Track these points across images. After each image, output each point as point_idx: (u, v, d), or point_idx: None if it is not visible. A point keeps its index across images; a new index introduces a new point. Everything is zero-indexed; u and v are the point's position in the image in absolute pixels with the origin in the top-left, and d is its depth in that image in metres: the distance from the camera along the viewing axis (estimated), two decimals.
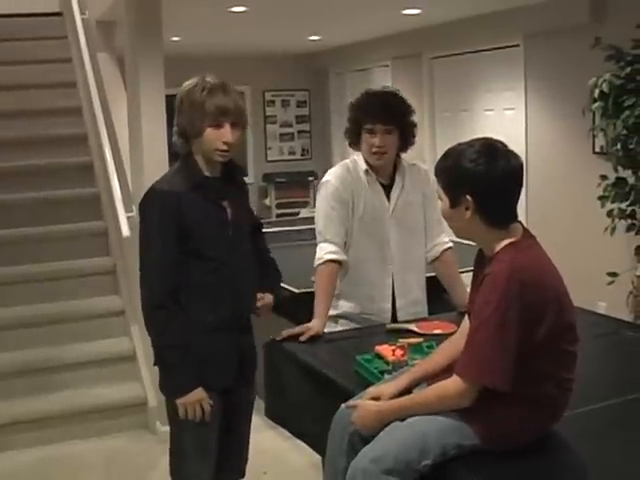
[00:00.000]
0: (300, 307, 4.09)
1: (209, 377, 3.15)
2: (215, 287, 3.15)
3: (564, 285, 2.49)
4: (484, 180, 2.44)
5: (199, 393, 3.09)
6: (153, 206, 3.08)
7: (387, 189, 3.85)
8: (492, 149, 2.49)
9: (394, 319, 3.83)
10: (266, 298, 3.46)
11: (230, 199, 3.22)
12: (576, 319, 2.50)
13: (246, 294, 3.30)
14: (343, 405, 2.74)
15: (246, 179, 12.24)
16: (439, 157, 2.60)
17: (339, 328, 3.82)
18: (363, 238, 3.80)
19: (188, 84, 3.11)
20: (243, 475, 3.52)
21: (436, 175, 2.58)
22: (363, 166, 3.81)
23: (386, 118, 3.70)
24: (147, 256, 3.10)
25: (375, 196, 3.82)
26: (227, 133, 3.06)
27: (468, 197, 2.46)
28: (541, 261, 2.48)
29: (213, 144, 3.07)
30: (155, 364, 3.22)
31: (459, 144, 2.55)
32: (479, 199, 2.46)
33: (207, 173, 3.16)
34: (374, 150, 3.73)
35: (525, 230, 2.54)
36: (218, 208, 3.18)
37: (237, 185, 3.32)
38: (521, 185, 2.51)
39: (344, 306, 3.85)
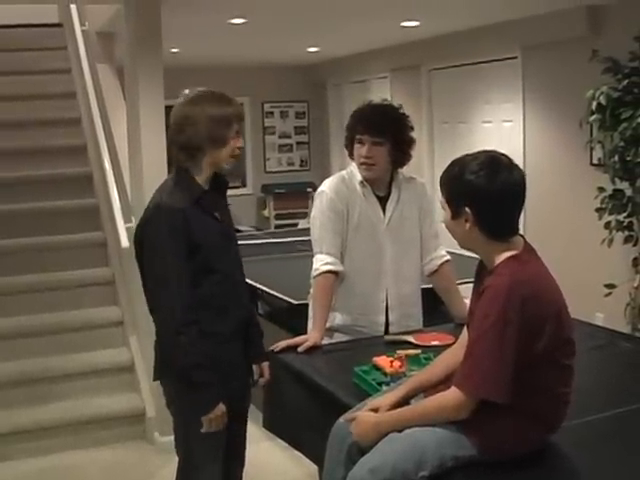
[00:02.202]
0: (298, 318, 4.10)
1: (224, 385, 3.16)
2: (222, 297, 3.19)
3: (564, 299, 2.50)
4: (483, 193, 2.45)
5: (222, 407, 3.12)
6: (162, 226, 3.05)
7: (383, 201, 3.86)
8: (495, 162, 2.50)
9: (387, 333, 3.83)
10: (265, 372, 3.49)
11: (221, 210, 3.28)
12: (574, 333, 2.52)
13: (245, 299, 3.37)
14: (341, 418, 2.75)
15: (245, 190, 12.18)
16: (439, 168, 2.62)
17: (334, 341, 3.83)
18: (357, 250, 3.81)
19: (193, 98, 3.14)
20: None
21: (440, 185, 2.60)
22: (359, 177, 3.82)
23: (374, 130, 3.71)
24: (163, 277, 3.06)
25: (370, 208, 3.83)
26: (241, 139, 3.19)
27: (467, 209, 2.48)
28: (542, 275, 2.49)
29: (232, 152, 3.16)
30: (155, 379, 3.25)
31: (465, 155, 2.56)
32: (478, 211, 2.47)
33: (203, 186, 3.20)
34: (361, 160, 3.76)
35: (526, 243, 2.55)
36: (215, 220, 3.22)
37: (223, 195, 3.36)
38: (523, 199, 2.52)
39: (337, 318, 3.85)
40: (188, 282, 3.07)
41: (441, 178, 2.60)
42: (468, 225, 2.50)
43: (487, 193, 2.45)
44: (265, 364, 3.49)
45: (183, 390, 3.14)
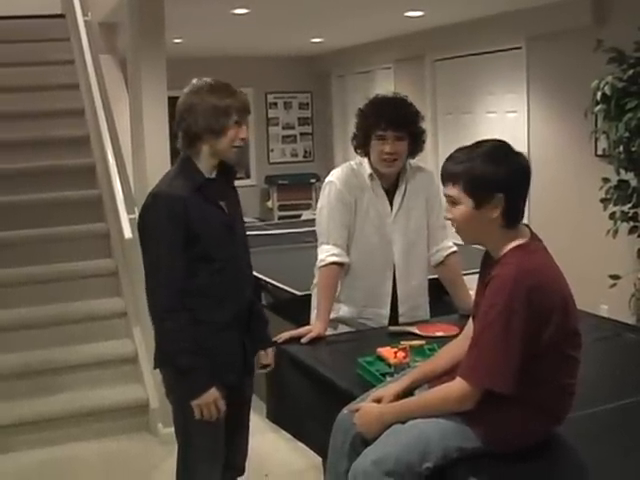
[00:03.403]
0: (302, 309, 4.09)
1: (219, 374, 3.18)
2: (221, 287, 3.20)
3: (570, 290, 2.49)
4: (514, 176, 2.46)
5: (214, 393, 3.12)
6: (159, 213, 3.08)
7: (390, 194, 3.84)
8: (506, 147, 2.52)
9: (395, 324, 3.82)
10: (270, 357, 3.49)
11: (226, 199, 3.29)
12: (580, 324, 2.50)
13: (247, 290, 3.36)
14: (345, 409, 2.75)
15: (248, 181, 12.18)
16: (443, 158, 2.59)
17: (337, 332, 3.81)
18: (364, 242, 3.80)
19: (195, 88, 3.17)
20: (243, 472, 3.55)
21: (451, 179, 2.54)
22: (368, 170, 3.79)
23: (398, 124, 3.66)
24: (155, 264, 3.11)
25: (378, 201, 3.81)
26: (245, 130, 3.21)
27: (500, 195, 2.44)
28: (548, 265, 2.48)
29: (233, 142, 3.17)
30: (156, 367, 3.25)
31: (466, 147, 2.55)
32: (509, 197, 2.45)
33: (206, 175, 3.21)
34: (385, 157, 3.69)
35: (532, 233, 2.54)
36: (218, 209, 3.23)
37: (230, 185, 3.38)
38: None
39: (342, 309, 3.84)
40: (181, 270, 3.09)
41: (451, 172, 2.54)
42: (497, 212, 2.46)
43: (516, 176, 2.47)
44: (270, 350, 3.48)
45: (177, 376, 3.16)
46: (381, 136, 3.68)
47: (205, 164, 3.20)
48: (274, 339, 3.55)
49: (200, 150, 3.18)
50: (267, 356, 3.48)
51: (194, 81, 3.22)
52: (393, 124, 3.66)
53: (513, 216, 2.50)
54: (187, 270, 3.10)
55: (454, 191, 2.53)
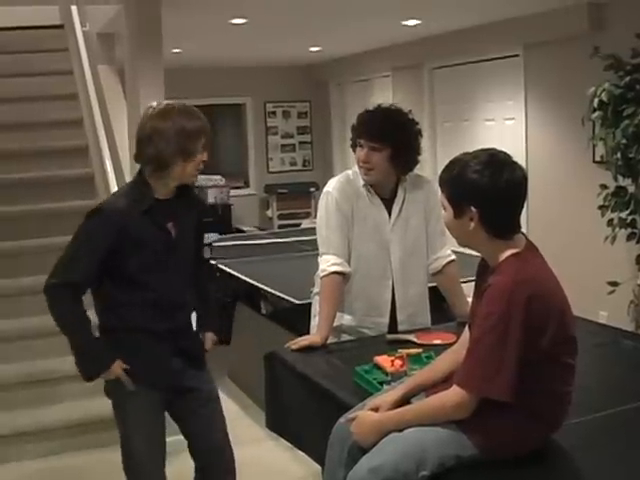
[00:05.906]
0: (300, 318, 4.10)
1: (148, 379, 3.26)
2: (150, 306, 3.24)
3: (566, 297, 2.50)
4: (489, 192, 2.45)
5: (117, 367, 3.24)
6: (95, 223, 3.17)
7: (388, 203, 3.84)
8: (497, 160, 2.50)
9: (394, 332, 3.81)
10: (208, 341, 3.59)
11: (177, 220, 3.27)
12: (576, 331, 2.51)
13: (181, 312, 3.38)
14: (342, 419, 2.75)
15: (248, 190, 12.07)
16: (441, 166, 2.61)
17: (335, 340, 3.81)
18: (363, 251, 3.79)
19: (161, 111, 3.16)
20: (234, 476, 3.53)
21: (440, 185, 2.59)
22: (362, 180, 3.81)
23: (372, 135, 3.69)
24: (65, 259, 3.28)
25: (375, 209, 3.81)
26: (205, 154, 3.20)
27: (473, 209, 2.47)
28: (544, 273, 2.49)
29: (197, 167, 3.18)
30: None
31: (464, 154, 2.56)
32: (483, 211, 2.46)
33: (159, 196, 3.21)
34: (360, 164, 3.76)
35: (528, 241, 2.55)
36: (161, 231, 3.23)
37: (188, 205, 3.37)
38: (525, 196, 2.53)
39: (344, 318, 3.84)
40: (84, 279, 3.25)
41: (441, 178, 2.59)
42: (472, 224, 2.49)
43: (492, 192, 2.45)
44: (208, 334, 3.58)
45: (75, 355, 3.33)
46: (360, 143, 3.75)
47: (166, 187, 3.21)
48: (285, 346, 3.58)
49: (169, 174, 3.17)
50: (205, 339, 3.57)
51: (154, 104, 3.22)
52: (366, 133, 3.72)
53: (498, 229, 2.50)
54: (120, 283, 3.21)
55: (442, 197, 2.59)
